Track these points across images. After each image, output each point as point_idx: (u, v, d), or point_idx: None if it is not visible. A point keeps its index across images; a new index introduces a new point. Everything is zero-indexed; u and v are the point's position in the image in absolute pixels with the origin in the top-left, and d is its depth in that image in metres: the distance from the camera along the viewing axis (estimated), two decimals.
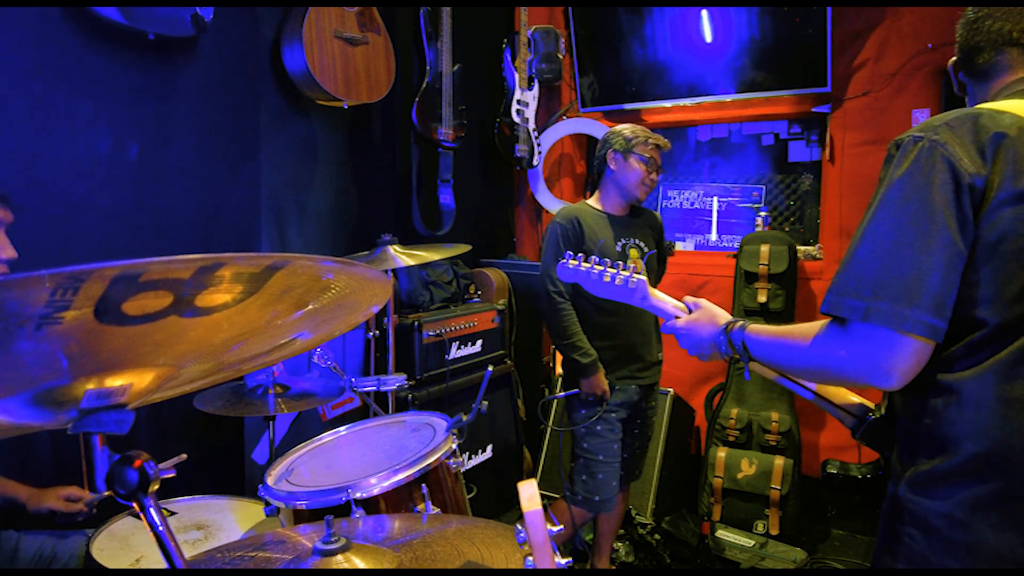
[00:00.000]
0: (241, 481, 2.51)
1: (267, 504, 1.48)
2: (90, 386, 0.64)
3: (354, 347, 2.81)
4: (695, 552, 2.87)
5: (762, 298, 3.28)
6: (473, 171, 3.71)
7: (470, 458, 2.99)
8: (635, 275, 1.38)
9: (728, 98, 3.54)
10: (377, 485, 1.42)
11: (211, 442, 2.45)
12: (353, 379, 2.09)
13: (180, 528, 1.73)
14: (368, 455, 1.65)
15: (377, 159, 3.14)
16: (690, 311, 1.32)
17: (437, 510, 1.46)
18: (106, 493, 0.67)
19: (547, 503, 2.84)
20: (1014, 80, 1.07)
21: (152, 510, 0.68)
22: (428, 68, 3.11)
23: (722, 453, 3.16)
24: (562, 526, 0.85)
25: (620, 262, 1.43)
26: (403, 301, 3.01)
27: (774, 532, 2.98)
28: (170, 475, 0.72)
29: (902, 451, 1.07)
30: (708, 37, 3.47)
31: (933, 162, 0.96)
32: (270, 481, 1.52)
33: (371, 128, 3.10)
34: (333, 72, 2.59)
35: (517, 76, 3.66)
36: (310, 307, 0.73)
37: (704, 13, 3.43)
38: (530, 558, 0.77)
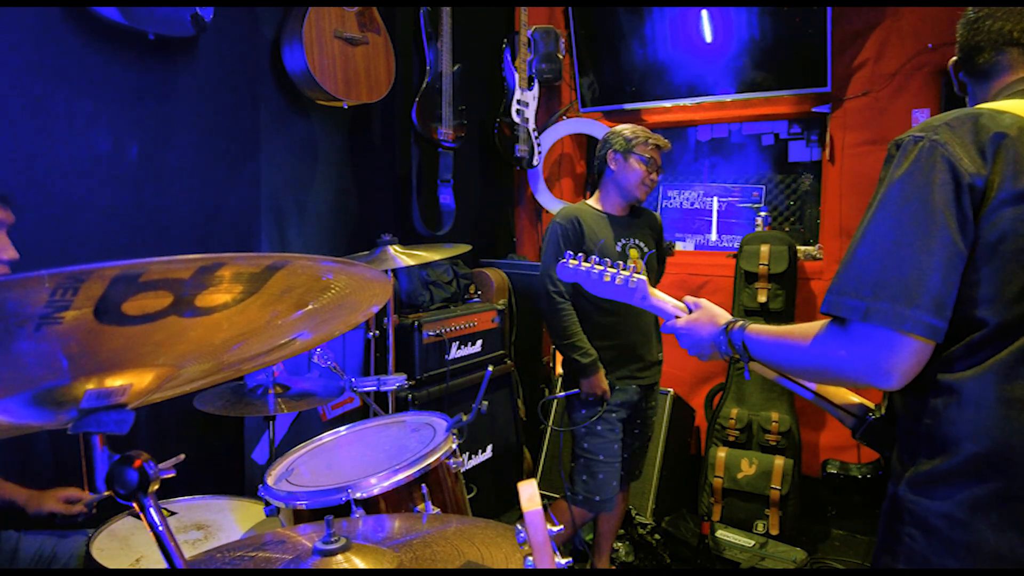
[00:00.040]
0: (241, 481, 2.51)
1: (267, 504, 1.48)
2: (90, 386, 0.64)
3: (354, 347, 2.81)
4: (695, 552, 2.87)
5: (762, 298, 3.28)
6: (473, 171, 3.71)
7: (470, 458, 2.99)
8: (635, 275, 1.38)
9: (728, 98, 3.54)
10: (377, 485, 1.42)
11: (211, 442, 2.45)
12: (353, 379, 2.09)
13: (180, 528, 1.73)
14: (368, 455, 1.65)
15: (377, 159, 3.14)
16: (690, 311, 1.32)
17: (437, 510, 1.46)
18: (106, 493, 0.67)
19: (547, 503, 2.85)
20: (1014, 80, 1.07)
21: (152, 510, 0.68)
22: (428, 68, 3.11)
23: (722, 453, 3.16)
24: (562, 526, 0.85)
25: (620, 262, 1.43)
26: (403, 301, 3.01)
27: (774, 532, 2.98)
28: (170, 475, 0.72)
29: (902, 451, 1.07)
30: (708, 37, 3.47)
31: (933, 162, 0.96)
32: (270, 481, 1.52)
33: (371, 128, 3.10)
34: (333, 72, 2.59)
35: (517, 76, 3.66)
36: (310, 307, 0.73)
37: (704, 13, 3.43)
38: (530, 558, 0.77)
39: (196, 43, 2.34)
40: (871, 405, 1.23)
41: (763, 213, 3.58)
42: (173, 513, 1.81)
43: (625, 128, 2.46)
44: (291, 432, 2.61)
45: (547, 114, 4.07)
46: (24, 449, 1.97)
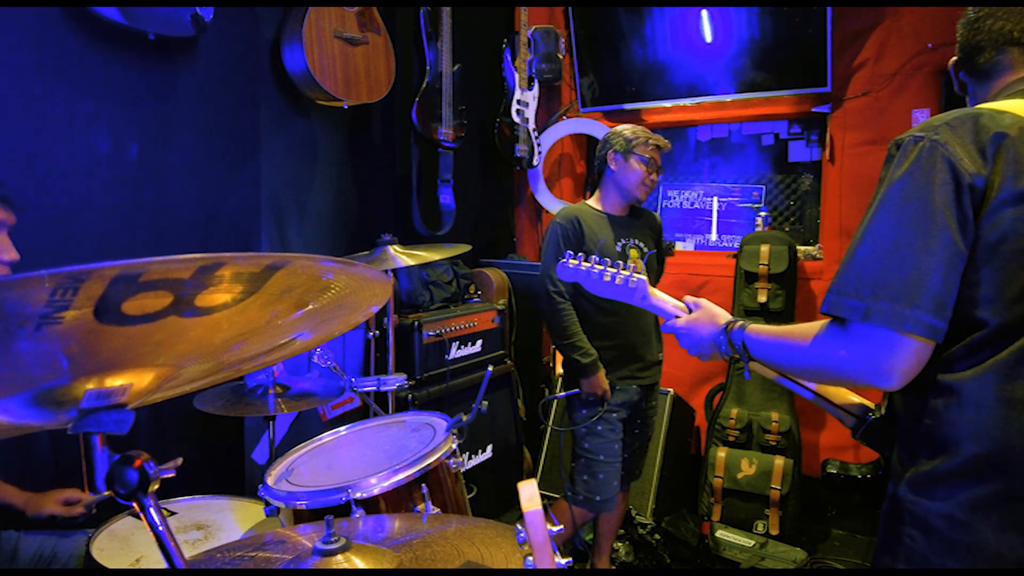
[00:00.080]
0: (241, 481, 2.51)
1: (267, 504, 1.48)
2: (90, 386, 0.64)
3: (354, 347, 2.81)
4: (695, 552, 2.87)
5: (762, 298, 3.28)
6: (473, 171, 3.71)
7: (470, 458, 2.99)
8: (635, 275, 1.38)
9: (728, 98, 3.54)
10: (377, 485, 1.42)
11: (211, 442, 2.45)
12: (353, 379, 2.09)
13: (180, 528, 1.73)
14: (368, 455, 1.65)
15: (377, 159, 3.14)
16: (690, 311, 1.32)
17: (437, 510, 1.46)
18: (106, 493, 0.67)
19: (547, 503, 2.85)
20: (1015, 80, 1.07)
21: (152, 510, 0.68)
22: (428, 68, 3.11)
23: (722, 453, 3.16)
24: (562, 526, 0.85)
25: (620, 262, 1.43)
26: (403, 301, 3.01)
27: (774, 532, 2.98)
28: (170, 475, 0.72)
29: (902, 451, 1.07)
30: (708, 37, 3.47)
31: (933, 162, 0.96)
32: (270, 481, 1.52)
33: (371, 128, 3.10)
34: (333, 72, 2.59)
35: (517, 76, 3.66)
36: (310, 307, 0.73)
37: (704, 13, 3.43)
38: (530, 558, 0.77)
39: (196, 43, 2.34)
40: (871, 405, 1.23)
41: (763, 213, 3.58)
42: (173, 513, 1.81)
43: (625, 128, 2.46)
44: (291, 432, 2.61)
45: (547, 114, 4.07)
46: (24, 450, 1.96)
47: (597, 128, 3.92)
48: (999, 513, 0.94)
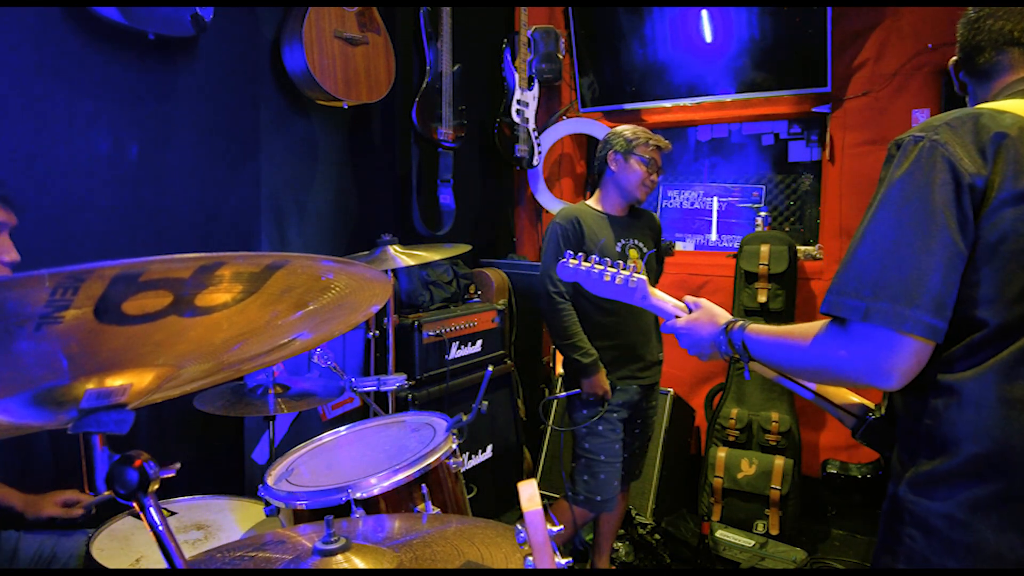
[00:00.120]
0: (241, 481, 2.51)
1: (267, 504, 1.48)
2: (90, 386, 0.64)
3: (354, 347, 2.81)
4: (695, 552, 2.87)
5: (762, 298, 3.28)
6: (473, 171, 3.71)
7: (470, 458, 2.99)
8: (635, 274, 1.38)
9: (728, 98, 3.54)
10: (377, 485, 1.42)
11: (211, 442, 2.45)
12: (353, 379, 2.09)
13: (180, 528, 1.73)
14: (368, 455, 1.65)
15: (377, 159, 3.14)
16: (690, 311, 1.32)
17: (437, 510, 1.46)
18: (106, 493, 0.67)
19: (548, 503, 2.85)
20: (1015, 80, 1.07)
21: (152, 510, 0.68)
22: (428, 68, 3.11)
23: (722, 453, 3.16)
24: (562, 526, 0.85)
25: (620, 262, 1.43)
26: (403, 301, 3.01)
27: (774, 532, 2.98)
28: (169, 475, 0.72)
29: (902, 451, 1.07)
30: (708, 37, 3.47)
31: (933, 162, 0.96)
32: (270, 481, 1.52)
33: (371, 128, 3.10)
34: (333, 72, 2.59)
35: (517, 76, 3.66)
36: (310, 307, 0.73)
37: (704, 13, 3.43)
38: (530, 558, 0.77)
39: (196, 43, 2.34)
40: (871, 405, 1.23)
41: (763, 213, 3.58)
42: (173, 513, 1.81)
43: (626, 129, 2.46)
44: (291, 432, 2.61)
45: (547, 114, 4.07)
46: (24, 450, 1.96)
47: (597, 128, 3.92)
48: (999, 513, 0.94)
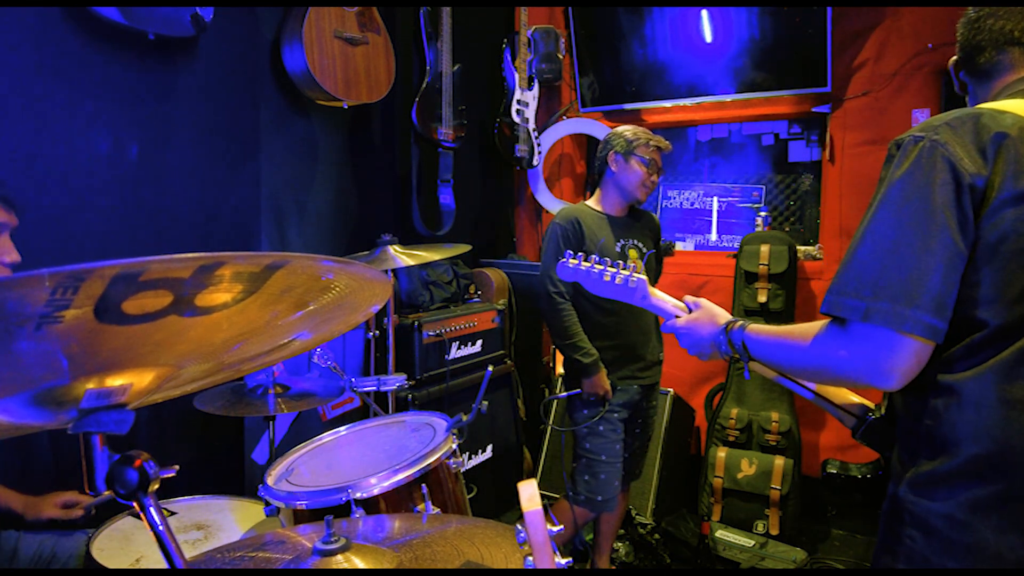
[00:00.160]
0: (241, 481, 2.51)
1: (267, 504, 1.48)
2: (90, 386, 0.64)
3: (354, 347, 2.81)
4: (695, 552, 2.87)
5: (762, 298, 3.28)
6: (473, 171, 3.71)
7: (470, 458, 2.99)
8: (635, 274, 1.38)
9: (728, 98, 3.54)
10: (377, 485, 1.42)
11: (211, 442, 2.45)
12: (353, 379, 2.09)
13: (180, 528, 1.73)
14: (368, 455, 1.65)
15: (377, 159, 3.14)
16: (690, 310, 1.32)
17: (437, 510, 1.46)
18: (106, 493, 0.67)
19: (548, 503, 2.84)
20: (1016, 79, 1.07)
21: (152, 510, 0.68)
22: (428, 68, 3.11)
23: (722, 453, 3.16)
24: (562, 526, 0.85)
25: (620, 261, 1.43)
26: (403, 301, 3.01)
27: (774, 532, 2.98)
28: (170, 475, 0.72)
29: (902, 451, 1.07)
30: (708, 37, 3.47)
31: (934, 162, 0.96)
32: (270, 481, 1.52)
33: (371, 128, 3.10)
34: (333, 72, 2.59)
35: (517, 76, 3.66)
36: (310, 307, 0.73)
37: (704, 13, 3.43)
38: (530, 558, 0.77)
39: (196, 43, 2.34)
40: (871, 405, 1.23)
41: (763, 213, 3.58)
42: (173, 513, 1.81)
43: (626, 129, 2.46)
44: (291, 432, 2.61)
45: (547, 114, 4.07)
46: (24, 450, 1.96)
47: (597, 128, 3.92)
48: (999, 513, 0.94)
